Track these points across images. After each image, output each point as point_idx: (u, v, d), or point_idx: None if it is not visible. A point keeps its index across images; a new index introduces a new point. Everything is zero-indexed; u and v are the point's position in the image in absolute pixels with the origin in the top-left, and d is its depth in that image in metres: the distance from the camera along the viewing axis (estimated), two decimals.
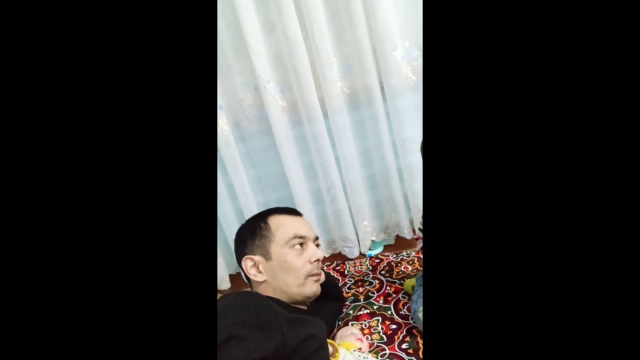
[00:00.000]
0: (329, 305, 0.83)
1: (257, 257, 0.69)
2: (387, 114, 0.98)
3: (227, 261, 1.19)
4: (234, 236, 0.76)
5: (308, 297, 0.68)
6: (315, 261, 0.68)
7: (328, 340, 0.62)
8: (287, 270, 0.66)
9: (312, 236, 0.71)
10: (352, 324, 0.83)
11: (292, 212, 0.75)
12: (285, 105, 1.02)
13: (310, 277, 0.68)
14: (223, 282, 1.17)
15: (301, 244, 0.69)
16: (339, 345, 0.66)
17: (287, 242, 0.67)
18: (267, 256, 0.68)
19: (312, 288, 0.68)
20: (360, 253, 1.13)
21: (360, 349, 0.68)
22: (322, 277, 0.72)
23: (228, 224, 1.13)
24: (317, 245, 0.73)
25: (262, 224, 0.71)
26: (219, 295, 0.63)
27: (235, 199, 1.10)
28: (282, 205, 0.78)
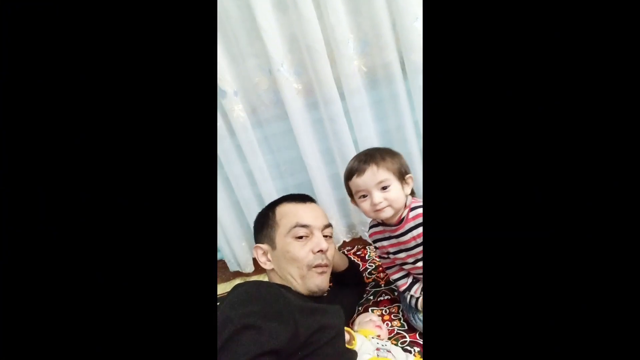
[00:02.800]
0: (349, 291, 0.83)
1: (264, 246, 0.68)
2: (409, 92, 0.92)
3: (250, 245, 1.22)
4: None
5: (312, 291, 0.65)
6: (318, 251, 0.65)
7: (345, 328, 0.61)
8: (290, 260, 0.65)
9: (319, 225, 0.68)
10: (372, 310, 0.82)
11: (303, 199, 0.73)
12: (300, 88, 0.98)
13: (313, 269, 0.65)
14: (247, 266, 1.21)
15: (306, 234, 0.66)
16: (356, 332, 0.65)
17: (289, 232, 0.66)
18: (272, 245, 0.68)
19: (316, 281, 0.65)
20: None
21: (379, 336, 0.67)
22: (329, 270, 0.70)
23: (250, 210, 1.15)
24: (329, 235, 0.71)
25: (270, 213, 0.70)
26: (237, 281, 0.64)
27: (255, 184, 1.11)
28: (300, 191, 0.77)
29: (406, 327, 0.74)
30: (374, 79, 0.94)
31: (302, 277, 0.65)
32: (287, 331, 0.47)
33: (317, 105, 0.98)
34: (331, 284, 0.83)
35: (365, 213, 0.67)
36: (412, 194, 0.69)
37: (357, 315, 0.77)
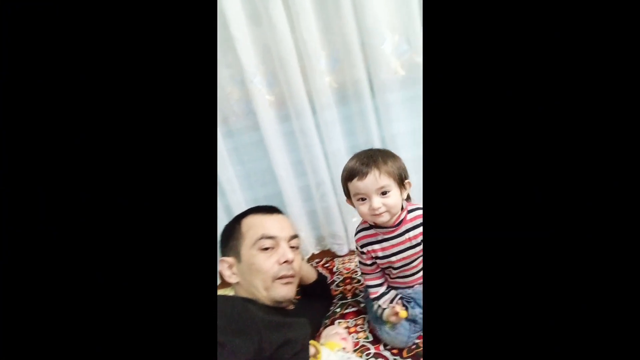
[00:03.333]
0: (316, 304, 0.83)
1: (229, 259, 0.67)
2: (376, 109, 0.96)
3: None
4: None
5: (278, 301, 0.65)
6: (284, 263, 0.65)
7: (311, 341, 0.61)
8: (255, 272, 0.64)
9: (285, 235, 0.68)
10: (339, 322, 0.82)
11: (270, 210, 0.72)
12: (272, 99, 0.99)
13: (278, 280, 0.64)
14: None
15: (272, 245, 0.66)
16: (322, 345, 0.65)
17: (255, 243, 0.65)
18: (238, 258, 0.66)
19: (281, 292, 0.65)
20: (349, 250, 1.12)
21: (344, 348, 0.67)
22: (296, 280, 0.69)
23: (217, 221, 1.12)
24: (295, 246, 0.71)
25: (237, 225, 0.69)
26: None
27: (224, 195, 1.08)
28: (270, 203, 0.77)
29: (371, 339, 0.75)
30: (344, 95, 0.97)
31: (267, 289, 0.64)
32: (251, 346, 0.46)
33: (289, 118, 0.99)
34: (299, 297, 0.83)
35: (362, 215, 0.67)
36: (408, 197, 0.70)
37: (324, 328, 0.77)
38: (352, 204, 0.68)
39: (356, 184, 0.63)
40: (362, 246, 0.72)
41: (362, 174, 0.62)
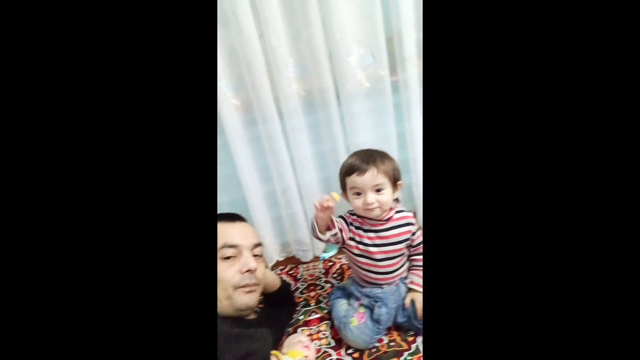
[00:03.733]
0: (279, 313, 0.82)
1: None
2: (342, 118, 0.98)
3: None
4: None
5: (240, 310, 0.64)
6: (246, 271, 0.64)
7: (272, 351, 0.60)
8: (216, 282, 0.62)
9: (248, 244, 0.67)
10: (302, 330, 0.82)
11: (232, 218, 0.71)
12: (238, 104, 0.97)
13: (240, 289, 0.63)
14: None
15: (234, 254, 0.65)
16: (284, 354, 0.64)
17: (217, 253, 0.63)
18: None
19: (243, 300, 0.63)
20: (314, 256, 1.12)
21: (306, 356, 0.67)
22: (259, 288, 0.68)
23: None
24: (259, 255, 0.70)
25: None
26: None
27: None
28: (233, 209, 0.75)
29: (333, 344, 0.76)
30: (311, 103, 0.98)
31: (228, 298, 0.62)
32: None
33: (256, 123, 0.98)
34: (261, 305, 0.81)
35: (355, 209, 0.74)
36: (397, 200, 0.76)
37: (287, 337, 0.76)
38: (347, 198, 0.75)
39: (354, 179, 0.70)
40: (348, 224, 0.76)
41: (361, 170, 0.69)
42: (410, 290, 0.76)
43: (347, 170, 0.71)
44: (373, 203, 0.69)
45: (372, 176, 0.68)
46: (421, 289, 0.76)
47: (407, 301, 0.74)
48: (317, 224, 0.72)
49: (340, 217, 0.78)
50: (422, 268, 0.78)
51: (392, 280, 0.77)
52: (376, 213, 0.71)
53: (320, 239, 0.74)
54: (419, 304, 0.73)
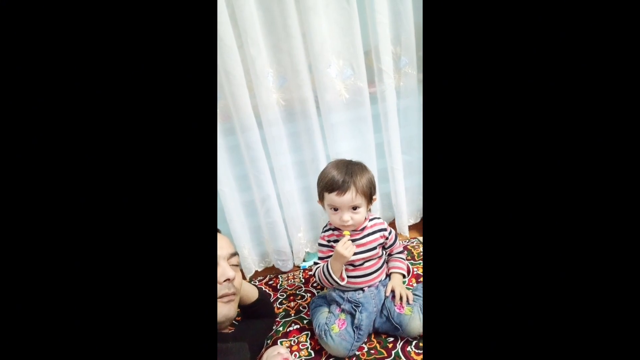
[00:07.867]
0: (258, 324, 0.80)
1: None
2: (322, 127, 0.99)
3: None
4: None
5: (220, 322, 0.63)
6: (225, 281, 0.63)
7: None
8: None
9: (224, 254, 0.66)
10: (282, 342, 0.81)
11: None
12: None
13: (219, 300, 0.62)
14: None
15: None
16: None
17: None
18: None
19: (223, 311, 0.63)
20: (294, 265, 1.11)
21: None
22: (237, 298, 0.67)
23: None
24: (236, 264, 0.69)
25: None
26: None
27: None
28: None
29: (313, 355, 0.75)
30: (291, 112, 0.99)
31: None
32: None
33: (234, 131, 0.97)
34: (239, 318, 0.79)
35: (331, 220, 0.79)
36: (369, 209, 0.81)
37: (266, 349, 0.74)
38: (322, 205, 0.80)
39: (333, 198, 0.74)
40: (329, 241, 0.82)
41: (341, 191, 0.72)
42: (389, 278, 0.82)
43: (328, 188, 0.74)
44: (348, 220, 0.74)
45: (351, 198, 0.72)
46: (401, 271, 0.84)
47: (388, 290, 0.79)
48: (332, 270, 0.76)
49: (321, 244, 0.83)
50: (401, 256, 0.87)
51: (372, 282, 0.81)
52: (350, 228, 0.77)
53: (338, 284, 0.77)
54: (399, 288, 0.78)
